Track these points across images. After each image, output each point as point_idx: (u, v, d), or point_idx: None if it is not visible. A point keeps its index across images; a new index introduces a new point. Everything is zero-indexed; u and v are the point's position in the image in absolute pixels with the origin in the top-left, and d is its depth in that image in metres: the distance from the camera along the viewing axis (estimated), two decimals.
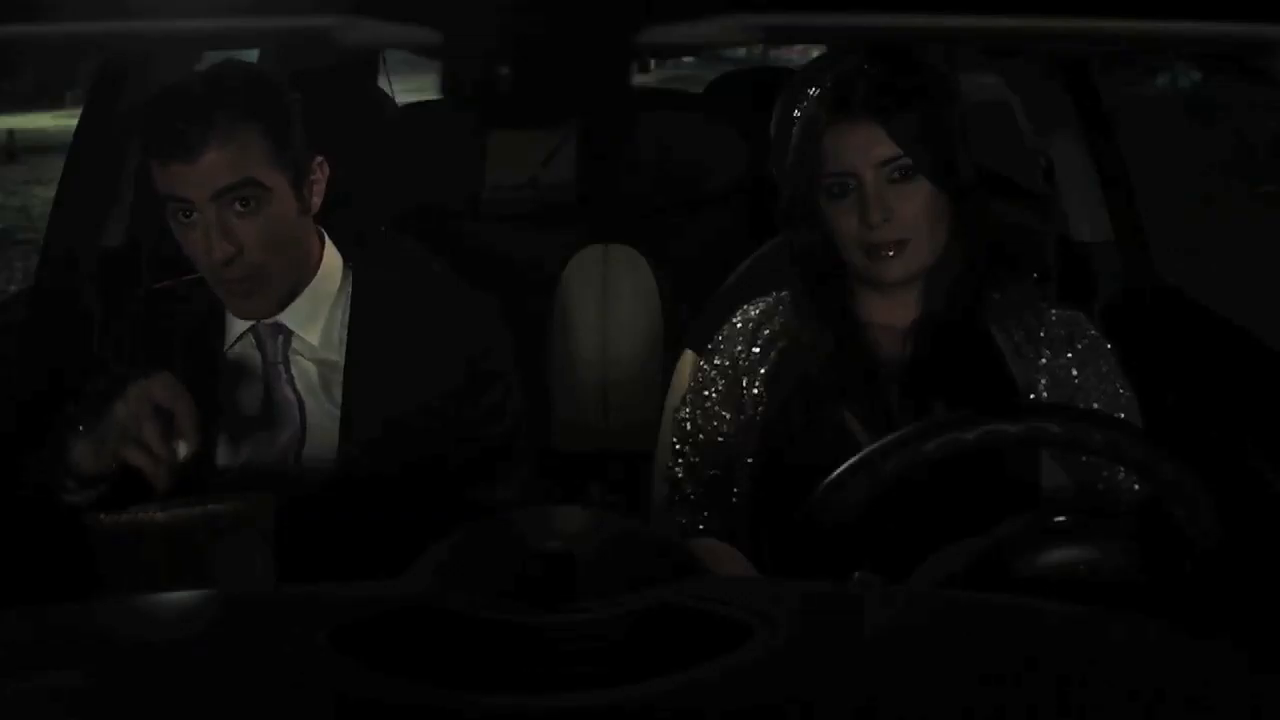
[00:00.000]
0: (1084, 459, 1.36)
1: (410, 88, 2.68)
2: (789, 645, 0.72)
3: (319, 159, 1.50)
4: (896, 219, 1.34)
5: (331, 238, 1.57)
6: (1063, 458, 1.37)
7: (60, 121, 10.24)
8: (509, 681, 0.71)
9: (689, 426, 1.52)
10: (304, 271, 1.52)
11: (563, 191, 2.34)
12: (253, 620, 0.80)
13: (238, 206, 1.41)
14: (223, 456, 1.51)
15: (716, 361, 1.52)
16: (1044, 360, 1.39)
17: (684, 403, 1.54)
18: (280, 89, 1.46)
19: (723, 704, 0.67)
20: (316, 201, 1.51)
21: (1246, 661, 0.76)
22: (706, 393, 1.51)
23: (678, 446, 1.53)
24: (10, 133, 10.38)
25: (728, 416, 1.49)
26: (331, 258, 1.56)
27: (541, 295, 2.18)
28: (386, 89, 2.70)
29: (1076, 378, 1.39)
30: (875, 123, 1.34)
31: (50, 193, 2.09)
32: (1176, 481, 1.06)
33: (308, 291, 1.52)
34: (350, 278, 1.56)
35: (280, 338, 1.52)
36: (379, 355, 1.52)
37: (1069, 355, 1.39)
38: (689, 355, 1.68)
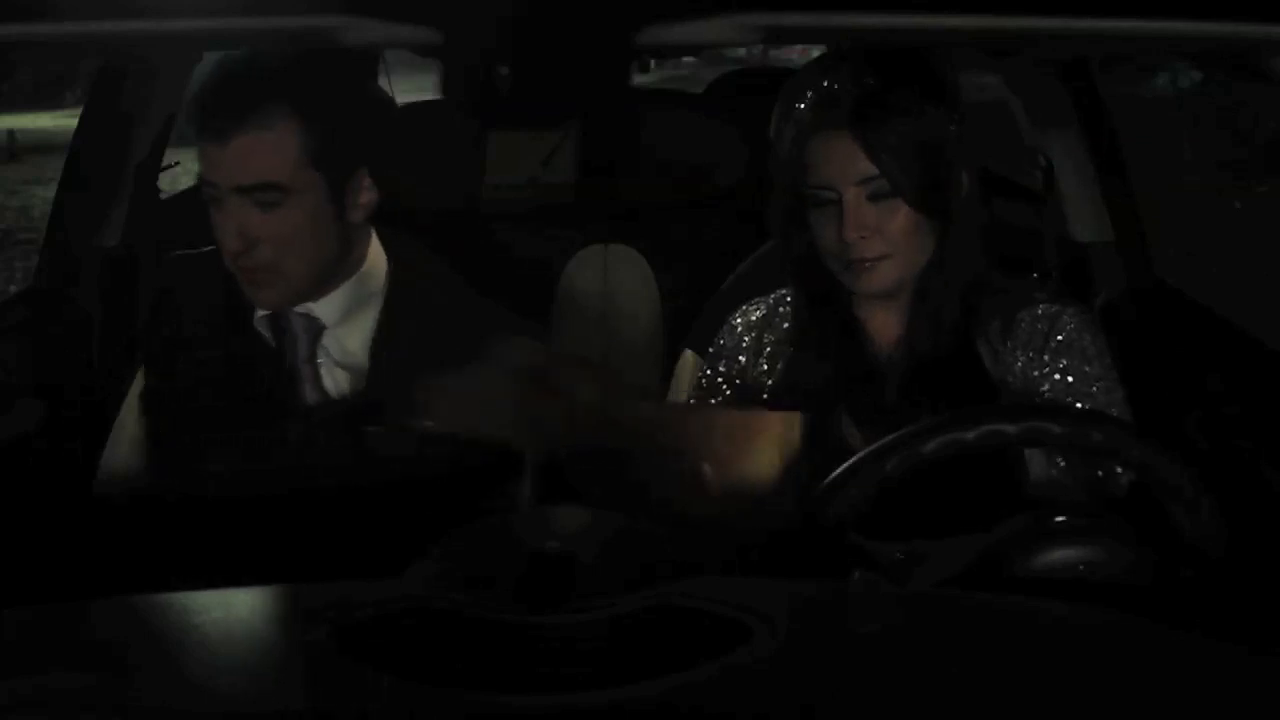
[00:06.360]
0: (1083, 460, 1.36)
1: (410, 88, 2.67)
2: (789, 645, 0.72)
3: (364, 172, 1.44)
4: (876, 235, 1.32)
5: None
6: (1060, 458, 1.37)
7: (60, 121, 10.23)
8: (509, 681, 0.71)
9: None
10: (336, 268, 1.47)
11: (563, 191, 2.33)
12: (253, 620, 0.80)
13: (257, 196, 1.37)
14: (227, 437, 1.48)
15: (722, 368, 1.51)
16: (1019, 363, 1.38)
17: None
18: (331, 84, 1.40)
19: (722, 704, 0.67)
20: (358, 212, 1.46)
21: (1246, 662, 0.76)
22: (712, 398, 1.51)
23: None
24: (10, 133, 10.37)
25: None
26: (377, 257, 1.52)
27: (541, 295, 2.17)
28: (386, 89, 2.69)
29: (1049, 370, 1.37)
30: (854, 138, 1.31)
31: (50, 193, 2.09)
32: (1176, 482, 1.06)
33: (347, 286, 1.48)
34: (389, 282, 1.52)
35: (309, 334, 1.48)
36: (399, 359, 1.49)
37: (1045, 354, 1.38)
38: (689, 355, 1.67)
